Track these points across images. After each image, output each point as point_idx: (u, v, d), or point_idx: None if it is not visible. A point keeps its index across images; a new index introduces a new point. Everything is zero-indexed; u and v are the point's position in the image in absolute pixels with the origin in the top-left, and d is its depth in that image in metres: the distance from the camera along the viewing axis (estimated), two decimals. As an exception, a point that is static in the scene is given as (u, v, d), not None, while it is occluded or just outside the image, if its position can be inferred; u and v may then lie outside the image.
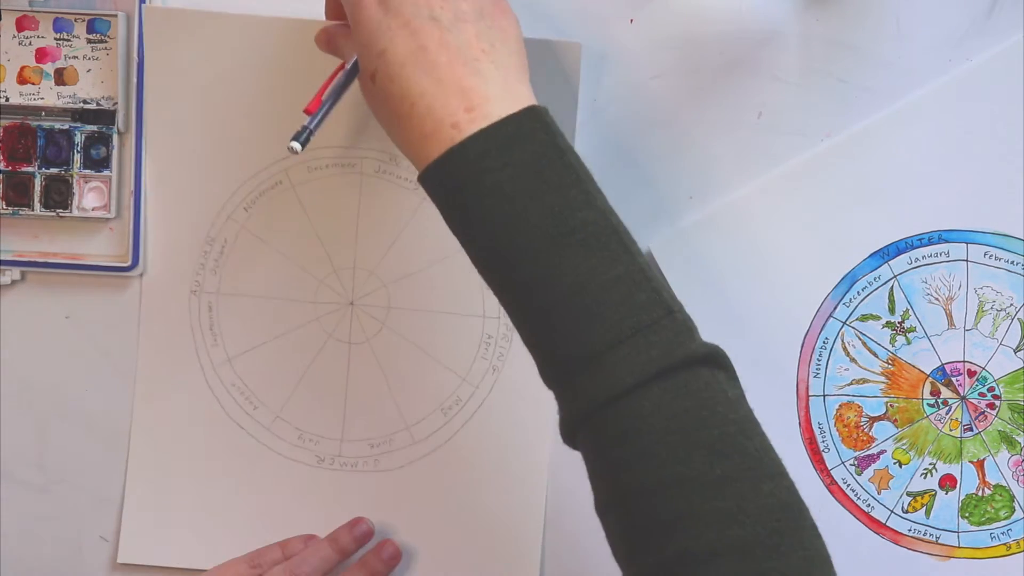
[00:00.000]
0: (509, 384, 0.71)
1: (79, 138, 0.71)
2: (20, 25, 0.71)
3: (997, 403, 0.70)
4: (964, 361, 0.70)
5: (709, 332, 0.70)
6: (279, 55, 0.71)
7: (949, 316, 0.70)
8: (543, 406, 0.71)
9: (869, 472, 0.70)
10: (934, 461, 0.70)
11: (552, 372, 0.53)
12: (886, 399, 0.70)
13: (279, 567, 0.68)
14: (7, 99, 0.71)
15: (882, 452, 0.70)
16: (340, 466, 0.72)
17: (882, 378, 0.70)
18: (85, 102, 0.72)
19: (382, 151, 0.71)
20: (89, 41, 0.71)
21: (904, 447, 0.70)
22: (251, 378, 0.72)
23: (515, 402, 0.71)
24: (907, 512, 0.69)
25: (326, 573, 0.69)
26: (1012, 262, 0.69)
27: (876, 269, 0.70)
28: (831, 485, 0.70)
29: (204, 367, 0.72)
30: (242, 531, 0.71)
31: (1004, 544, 0.69)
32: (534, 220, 0.52)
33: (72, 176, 0.72)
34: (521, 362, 0.70)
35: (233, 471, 0.72)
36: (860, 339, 0.70)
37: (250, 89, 0.71)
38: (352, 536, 0.69)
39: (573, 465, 0.70)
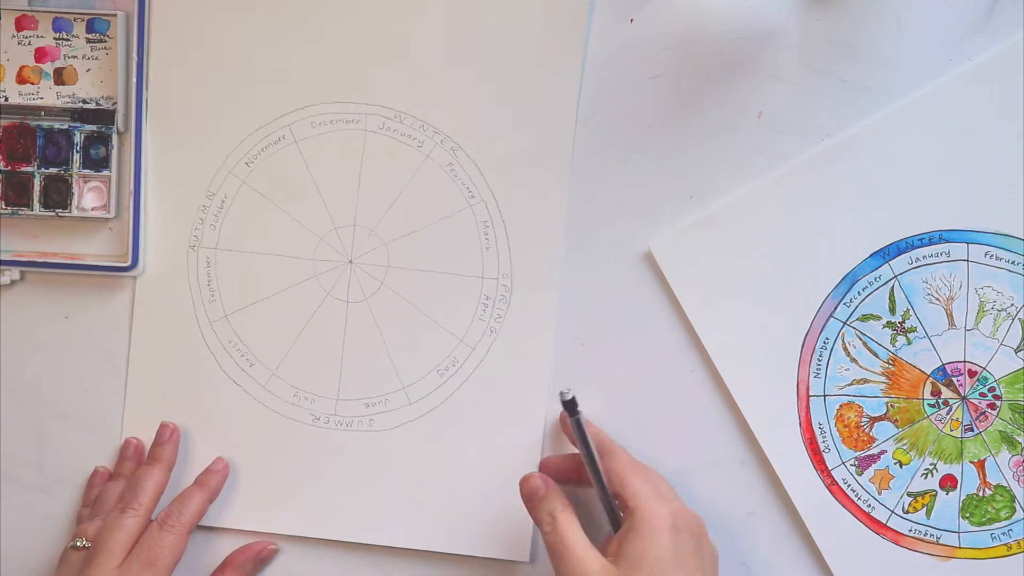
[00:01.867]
0: (506, 346, 0.71)
1: (78, 138, 0.71)
2: (19, 25, 0.71)
3: (998, 403, 0.69)
4: (965, 361, 0.70)
5: (709, 332, 0.70)
6: (287, 9, 0.71)
7: (950, 316, 0.70)
8: (540, 369, 0.71)
9: (869, 472, 0.70)
10: (935, 461, 0.69)
11: None
12: (887, 399, 0.70)
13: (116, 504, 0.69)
14: (6, 99, 0.71)
15: (883, 452, 0.70)
16: (335, 425, 0.72)
17: (883, 378, 0.70)
18: (84, 102, 0.72)
19: (386, 107, 0.71)
20: (88, 41, 0.71)
21: (905, 447, 0.70)
22: (248, 335, 0.72)
23: (512, 364, 0.71)
24: (908, 512, 0.69)
25: (159, 495, 0.70)
26: (1013, 262, 0.69)
27: (877, 269, 0.70)
28: (831, 485, 0.69)
29: (201, 323, 0.72)
30: (237, 488, 0.71)
31: (1005, 544, 0.69)
32: None
33: (71, 176, 0.72)
34: (519, 324, 0.71)
35: (228, 428, 0.72)
36: (861, 339, 0.70)
37: (256, 42, 0.71)
38: (162, 443, 0.71)
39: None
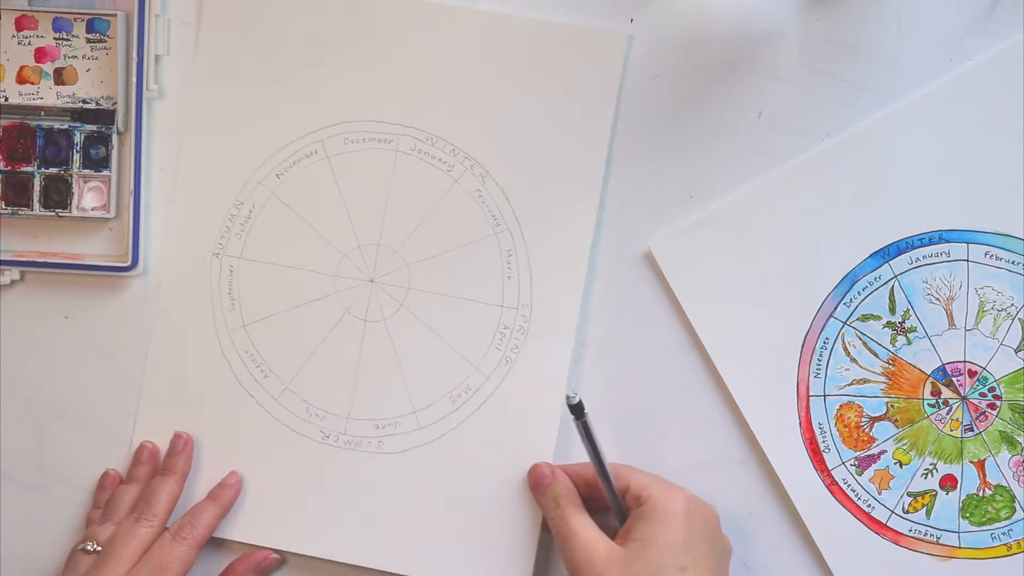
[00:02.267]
0: (521, 377, 0.71)
1: (78, 138, 0.71)
2: (19, 25, 0.71)
3: (998, 403, 0.69)
4: (965, 361, 0.70)
5: (709, 332, 0.70)
6: (332, 24, 0.71)
7: (950, 316, 0.70)
8: (553, 402, 0.70)
9: (870, 472, 0.70)
10: (935, 461, 0.69)
11: None
12: (887, 399, 0.70)
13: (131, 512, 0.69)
14: (6, 99, 0.71)
15: (883, 452, 0.70)
16: (344, 444, 0.71)
17: (883, 378, 0.70)
18: (84, 102, 0.72)
19: (420, 129, 0.71)
20: (88, 41, 0.71)
21: (905, 447, 0.70)
22: (264, 346, 0.72)
23: (525, 396, 0.70)
24: (908, 512, 0.69)
25: (173, 506, 0.70)
26: (1013, 262, 0.69)
27: (877, 269, 0.70)
28: (831, 485, 0.69)
29: (219, 331, 0.72)
30: (243, 500, 0.71)
31: (1005, 544, 0.69)
32: None
33: (71, 176, 0.72)
34: (534, 356, 0.70)
35: (238, 438, 0.71)
36: (861, 339, 0.70)
37: (297, 58, 0.72)
38: (176, 453, 0.71)
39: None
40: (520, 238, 0.71)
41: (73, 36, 0.71)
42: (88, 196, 0.72)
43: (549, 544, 0.70)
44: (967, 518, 0.69)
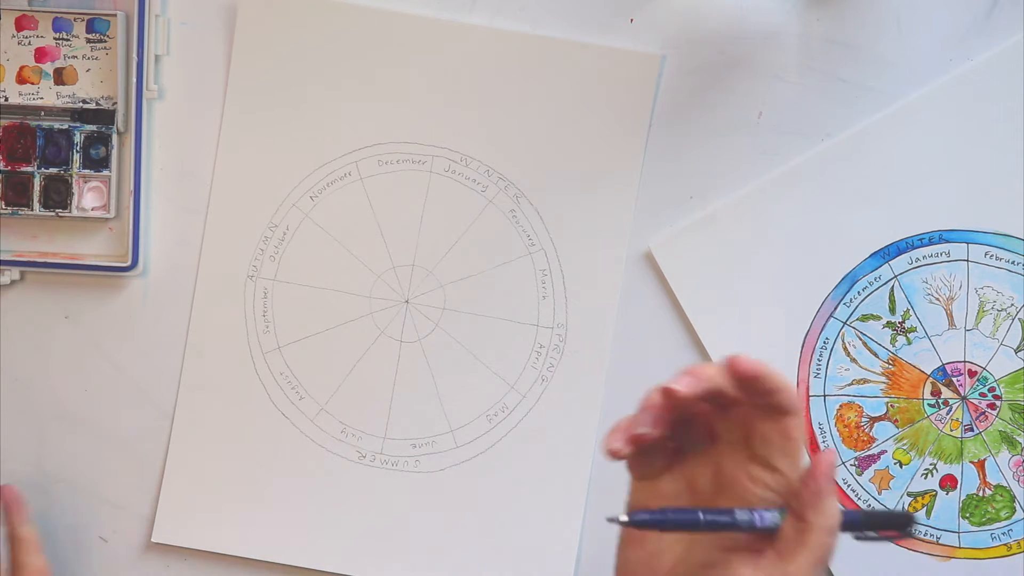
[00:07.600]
0: (557, 396, 0.71)
1: (78, 138, 0.71)
2: (19, 25, 0.71)
3: (998, 403, 0.69)
4: (965, 361, 0.70)
5: (709, 332, 0.70)
6: (365, 46, 0.71)
7: (950, 316, 0.70)
8: (589, 421, 0.70)
9: (870, 472, 0.70)
10: (935, 461, 0.70)
11: None
12: (887, 399, 0.70)
13: None
14: (6, 99, 0.71)
15: (883, 452, 0.70)
16: (381, 464, 0.71)
17: (883, 378, 0.70)
18: (84, 102, 0.72)
19: (454, 150, 0.71)
20: (88, 41, 0.71)
21: (905, 447, 0.70)
22: (299, 368, 0.72)
23: (561, 415, 0.70)
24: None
25: None
26: (1013, 262, 0.69)
27: (876, 269, 0.70)
28: (831, 485, 0.70)
29: (254, 353, 0.72)
30: (279, 521, 0.71)
31: (1005, 544, 0.69)
32: None
33: (71, 176, 0.72)
34: (570, 375, 0.70)
35: (274, 460, 0.71)
36: (861, 339, 0.70)
37: (332, 78, 0.71)
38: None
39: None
40: (555, 258, 0.71)
41: (73, 36, 0.71)
42: (88, 196, 0.72)
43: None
44: (967, 518, 0.69)
